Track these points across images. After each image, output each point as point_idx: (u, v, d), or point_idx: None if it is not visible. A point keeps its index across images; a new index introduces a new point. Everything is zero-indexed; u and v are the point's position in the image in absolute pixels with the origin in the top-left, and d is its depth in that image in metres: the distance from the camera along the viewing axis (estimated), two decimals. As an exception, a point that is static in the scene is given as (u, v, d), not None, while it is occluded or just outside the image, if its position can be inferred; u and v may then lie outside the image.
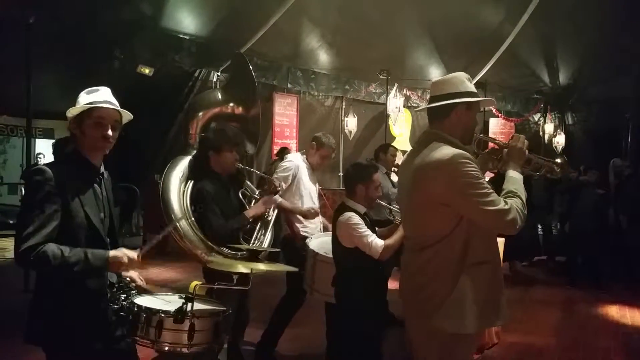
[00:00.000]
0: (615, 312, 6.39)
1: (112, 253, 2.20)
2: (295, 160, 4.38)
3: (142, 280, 2.51)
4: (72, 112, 2.28)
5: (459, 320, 2.22)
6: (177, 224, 3.44)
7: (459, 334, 2.23)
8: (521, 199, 2.25)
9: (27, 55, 6.51)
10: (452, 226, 2.23)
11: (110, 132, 2.29)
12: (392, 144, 5.73)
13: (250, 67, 4.63)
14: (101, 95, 2.32)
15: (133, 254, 2.24)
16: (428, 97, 2.52)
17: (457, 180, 2.17)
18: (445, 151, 2.22)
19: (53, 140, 8.45)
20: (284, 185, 4.18)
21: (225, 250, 3.43)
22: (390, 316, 4.80)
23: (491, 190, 2.20)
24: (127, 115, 2.40)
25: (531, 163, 2.55)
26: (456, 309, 2.22)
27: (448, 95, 2.32)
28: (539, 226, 9.69)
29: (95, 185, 2.34)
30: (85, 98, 2.30)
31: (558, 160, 2.65)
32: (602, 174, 8.34)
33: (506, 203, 2.19)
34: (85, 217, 2.23)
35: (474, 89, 2.38)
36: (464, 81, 2.36)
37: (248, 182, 4.06)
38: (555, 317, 6.24)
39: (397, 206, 4.23)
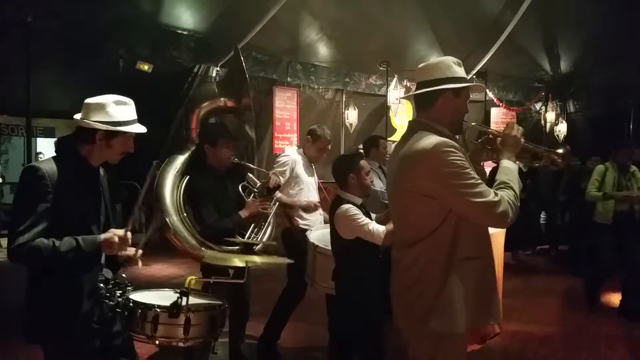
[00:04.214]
0: (618, 299, 6.37)
1: (103, 236, 2.21)
2: (292, 155, 4.37)
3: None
4: (105, 126, 2.25)
5: (450, 319, 2.13)
6: (167, 220, 3.45)
7: (450, 334, 2.15)
8: (514, 190, 2.13)
9: (26, 54, 6.51)
10: (440, 220, 2.12)
11: (132, 149, 2.36)
12: (382, 136, 5.68)
13: (242, 58, 4.62)
14: (132, 112, 2.34)
15: (121, 232, 2.23)
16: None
17: (440, 170, 2.06)
18: (429, 140, 2.11)
19: (54, 139, 8.46)
20: (282, 180, 4.19)
21: (219, 246, 3.43)
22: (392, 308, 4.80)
23: (479, 181, 2.08)
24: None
25: (529, 153, 2.45)
26: (446, 308, 2.12)
27: (434, 81, 2.20)
28: (542, 215, 9.69)
29: (91, 182, 2.35)
30: (116, 111, 2.28)
31: (560, 151, 2.57)
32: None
33: (496, 195, 2.06)
34: (79, 215, 2.24)
35: (462, 74, 2.25)
36: (451, 65, 2.23)
37: (250, 175, 4.05)
38: (557, 305, 6.24)
39: None
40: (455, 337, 2.17)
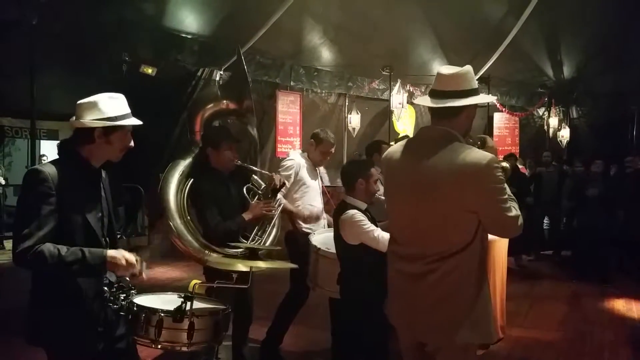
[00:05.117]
0: (621, 305, 6.36)
1: (111, 253, 2.18)
2: (297, 159, 4.36)
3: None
4: (102, 123, 2.24)
5: (485, 331, 2.17)
6: (171, 223, 3.44)
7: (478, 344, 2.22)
8: (516, 201, 2.20)
9: (31, 57, 6.54)
10: (473, 233, 2.14)
11: (132, 144, 2.35)
12: (385, 141, 5.67)
13: (243, 59, 4.62)
14: (124, 106, 2.33)
15: (131, 257, 2.21)
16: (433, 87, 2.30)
17: (491, 186, 2.09)
18: (479, 154, 2.11)
19: (58, 142, 8.50)
20: (287, 184, 4.18)
21: (223, 248, 3.43)
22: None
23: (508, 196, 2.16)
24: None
25: None
26: (483, 320, 2.16)
27: (464, 92, 2.18)
28: (545, 220, 9.67)
29: (93, 185, 2.35)
30: (109, 107, 2.27)
31: (502, 164, 2.58)
32: (607, 167, 8.27)
33: (515, 209, 2.14)
34: (82, 217, 2.23)
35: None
36: (474, 76, 2.24)
37: (255, 177, 4.04)
38: (561, 311, 6.21)
39: None
40: (476, 345, 2.24)
